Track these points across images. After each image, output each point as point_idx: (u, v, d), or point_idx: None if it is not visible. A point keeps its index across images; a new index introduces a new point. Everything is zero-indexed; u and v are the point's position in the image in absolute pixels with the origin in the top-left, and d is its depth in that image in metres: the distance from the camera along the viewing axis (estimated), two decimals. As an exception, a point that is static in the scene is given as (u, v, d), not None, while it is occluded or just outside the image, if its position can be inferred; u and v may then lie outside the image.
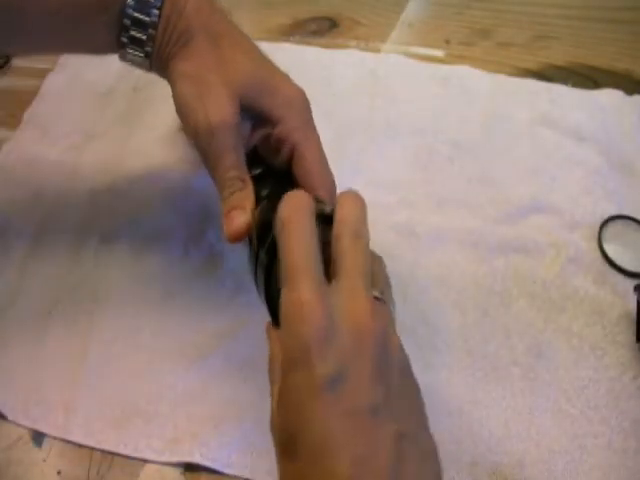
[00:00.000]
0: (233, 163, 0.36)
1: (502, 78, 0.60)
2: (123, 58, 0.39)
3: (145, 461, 0.40)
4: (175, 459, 0.40)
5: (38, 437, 0.41)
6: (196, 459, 0.39)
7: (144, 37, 0.37)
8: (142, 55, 0.38)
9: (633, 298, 0.44)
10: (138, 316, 0.46)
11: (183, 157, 0.53)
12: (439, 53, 0.63)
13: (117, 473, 0.40)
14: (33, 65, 0.62)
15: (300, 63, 0.62)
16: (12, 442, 0.41)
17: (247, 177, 0.36)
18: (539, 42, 0.64)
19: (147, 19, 0.36)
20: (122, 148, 0.55)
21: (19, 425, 0.41)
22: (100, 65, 0.61)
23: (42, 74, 0.61)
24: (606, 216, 0.49)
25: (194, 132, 0.36)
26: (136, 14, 0.36)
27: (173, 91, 0.37)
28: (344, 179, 0.51)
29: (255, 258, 0.34)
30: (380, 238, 0.49)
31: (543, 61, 0.62)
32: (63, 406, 0.42)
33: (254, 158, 0.39)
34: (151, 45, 0.37)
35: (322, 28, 0.66)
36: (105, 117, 0.58)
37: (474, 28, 0.66)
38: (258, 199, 0.36)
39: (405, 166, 0.54)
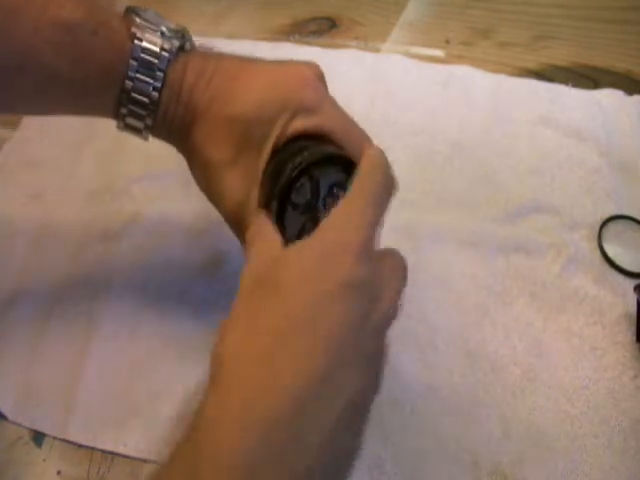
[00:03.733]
0: None
1: (502, 78, 0.60)
2: (121, 128, 0.38)
3: (145, 461, 0.40)
4: (175, 459, 0.40)
5: (38, 437, 0.41)
6: (196, 459, 0.39)
7: (144, 113, 0.36)
8: (141, 127, 0.37)
9: (633, 298, 0.44)
10: (138, 316, 0.46)
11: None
12: (439, 53, 0.63)
13: (117, 473, 0.40)
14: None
15: (300, 63, 0.62)
16: (12, 442, 0.41)
17: None
18: (539, 42, 0.64)
19: (146, 100, 0.35)
20: (122, 148, 0.55)
21: (19, 425, 0.41)
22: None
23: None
24: (606, 216, 0.49)
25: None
26: (134, 95, 0.35)
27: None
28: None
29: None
30: (380, 238, 0.49)
31: (543, 61, 0.62)
32: (63, 406, 0.42)
33: None
34: (151, 121, 0.36)
35: (322, 28, 0.66)
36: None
37: (474, 28, 0.66)
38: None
39: (405, 166, 0.54)
